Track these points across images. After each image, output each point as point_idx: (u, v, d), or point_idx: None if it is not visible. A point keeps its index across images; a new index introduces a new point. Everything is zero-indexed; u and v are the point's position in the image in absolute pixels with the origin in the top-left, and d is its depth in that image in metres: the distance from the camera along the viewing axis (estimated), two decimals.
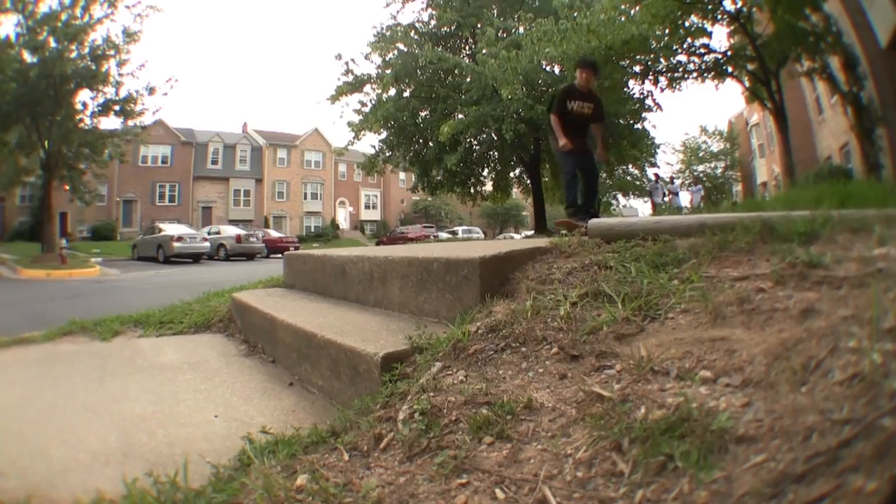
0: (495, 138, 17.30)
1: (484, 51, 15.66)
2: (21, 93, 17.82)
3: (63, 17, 18.67)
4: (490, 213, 46.61)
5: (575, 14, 13.39)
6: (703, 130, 39.98)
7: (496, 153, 18.94)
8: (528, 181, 19.91)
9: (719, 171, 39.50)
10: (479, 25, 18.07)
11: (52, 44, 18.49)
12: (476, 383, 1.40)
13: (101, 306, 7.22)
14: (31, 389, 2.46)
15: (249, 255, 23.03)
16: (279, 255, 23.21)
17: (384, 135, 18.90)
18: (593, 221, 2.56)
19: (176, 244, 20.36)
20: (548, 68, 16.20)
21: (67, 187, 21.91)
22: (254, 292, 3.80)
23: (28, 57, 18.45)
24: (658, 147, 19.74)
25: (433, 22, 19.39)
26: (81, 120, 20.55)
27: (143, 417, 1.94)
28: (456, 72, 17.77)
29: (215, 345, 3.16)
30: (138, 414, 1.99)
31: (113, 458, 1.63)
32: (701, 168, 39.68)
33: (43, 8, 18.50)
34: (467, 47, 19.58)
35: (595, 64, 6.06)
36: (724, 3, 12.30)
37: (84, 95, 20.37)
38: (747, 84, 14.14)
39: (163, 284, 12.09)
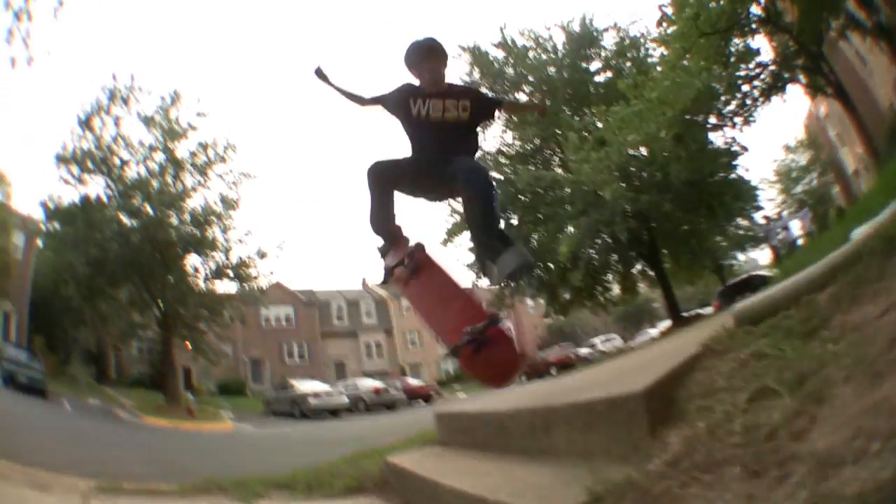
0: (611, 241, 17.06)
1: (572, 157, 15.72)
2: (124, 253, 18.96)
3: (154, 184, 20.03)
4: (623, 316, 45.55)
5: (642, 91, 13.64)
6: (788, 149, 38.55)
7: (615, 256, 18.62)
8: (652, 272, 19.33)
9: (815, 182, 37.18)
10: (558, 132, 18.15)
11: (150, 210, 19.74)
12: None
13: (236, 463, 6.97)
14: None
15: (390, 406, 23.03)
16: (421, 402, 24.62)
17: None
18: (738, 308, 2.33)
19: (313, 400, 20.43)
20: (634, 153, 16.14)
21: (189, 346, 22.93)
22: (408, 454, 3.53)
23: (126, 220, 19.74)
24: (757, 189, 18.97)
25: (516, 142, 19.74)
26: (196, 283, 21.75)
27: None
28: (554, 187, 17.80)
29: None
30: None
31: None
32: (799, 189, 37.66)
33: (130, 173, 20.02)
34: (556, 158, 19.64)
35: (438, 46, 3.20)
36: (752, 9, 12.34)
37: (194, 259, 21.71)
38: (804, 81, 14.07)
39: (302, 441, 11.65)
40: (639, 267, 20.26)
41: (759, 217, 20.30)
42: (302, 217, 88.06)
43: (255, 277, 22.36)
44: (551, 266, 17.98)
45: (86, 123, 19.70)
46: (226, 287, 22.91)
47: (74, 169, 19.76)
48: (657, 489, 1.45)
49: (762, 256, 29.25)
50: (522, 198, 17.68)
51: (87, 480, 3.60)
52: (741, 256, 24.35)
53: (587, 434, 2.10)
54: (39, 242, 27.83)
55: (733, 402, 1.58)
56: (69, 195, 20.45)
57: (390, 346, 43.34)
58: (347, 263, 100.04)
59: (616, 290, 20.78)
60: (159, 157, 20.70)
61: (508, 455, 2.57)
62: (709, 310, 18.87)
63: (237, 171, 21.92)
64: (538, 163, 19.36)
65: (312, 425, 16.82)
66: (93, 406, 17.81)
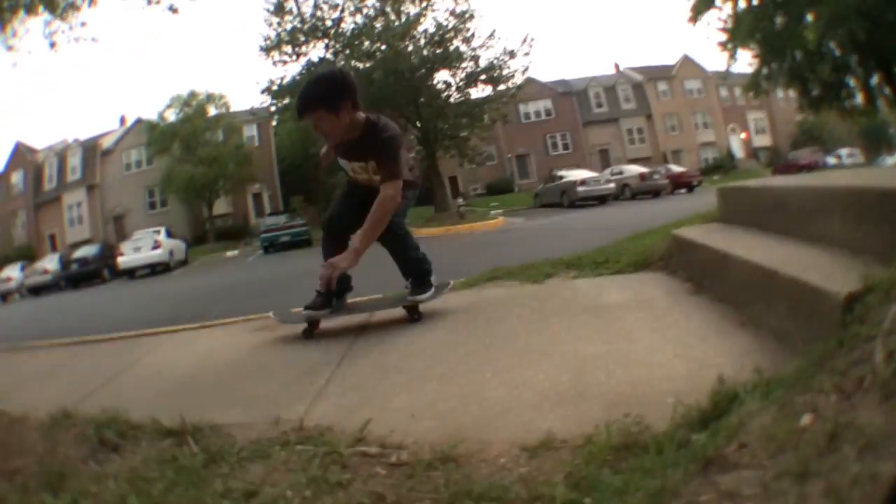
0: (850, 40, 13.96)
1: None
2: (368, 93, 19.40)
3: (377, 25, 19.92)
4: (866, 133, 39.41)
5: None
6: None
7: (856, 57, 15.40)
8: (892, 91, 15.78)
9: None
10: None
11: (383, 48, 19.75)
12: None
13: (518, 254, 6.82)
14: (457, 332, 2.48)
15: (654, 193, 22.51)
16: (683, 190, 24.12)
17: (756, 50, 16.42)
18: None
19: (580, 188, 20.60)
20: None
21: (453, 155, 23.99)
22: (693, 228, 3.56)
23: (360, 65, 19.96)
24: None
25: None
26: (449, 96, 21.88)
27: (598, 356, 1.92)
28: None
29: (659, 283, 3.00)
30: (591, 353, 1.96)
31: (566, 398, 1.62)
32: None
33: (347, 26, 20.11)
34: None
35: (298, 104, 2.57)
36: None
37: (444, 75, 21.78)
38: None
39: (579, 228, 11.58)
40: (876, 80, 16.37)
41: None
42: (544, 5, 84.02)
43: (510, 77, 21.84)
44: (801, 55, 15.42)
45: (278, 9, 19.93)
46: (481, 92, 22.69)
47: (287, 48, 20.27)
48: None
49: None
50: None
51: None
52: None
53: (859, 225, 2.02)
54: (274, 122, 31.87)
55: None
56: (292, 72, 21.15)
57: (651, 131, 42.63)
58: (597, 49, 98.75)
59: (860, 98, 17.20)
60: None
61: (787, 236, 2.53)
62: None
63: None
64: None
65: (582, 213, 16.97)
66: None
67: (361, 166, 2.71)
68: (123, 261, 16.95)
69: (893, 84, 15.37)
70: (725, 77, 19.54)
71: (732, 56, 15.94)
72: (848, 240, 2.04)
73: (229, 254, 22.52)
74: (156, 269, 17.10)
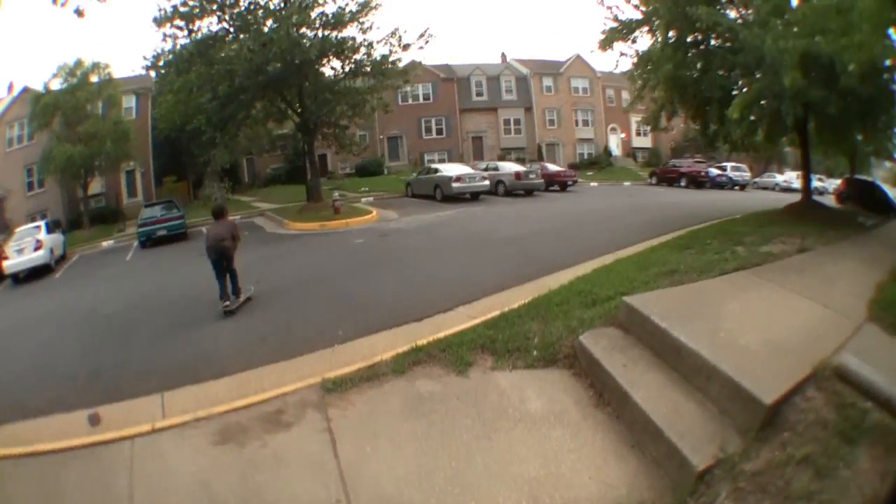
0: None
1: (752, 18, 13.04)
2: (256, 79, 18.28)
3: (273, 3, 18.65)
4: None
5: None
6: None
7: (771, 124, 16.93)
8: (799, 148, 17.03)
9: None
10: None
11: (278, 31, 17.94)
12: None
13: (405, 277, 8.06)
14: (424, 453, 2.94)
15: (528, 191, 22.89)
16: (555, 189, 24.58)
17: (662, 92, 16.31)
18: None
19: (455, 185, 20.51)
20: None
21: (333, 146, 23.09)
22: (599, 338, 4.19)
23: (252, 46, 18.26)
24: None
25: None
26: (335, 84, 20.97)
27: (541, 480, 2.70)
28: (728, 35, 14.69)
29: (568, 390, 3.71)
30: (534, 477, 2.73)
31: None
32: None
33: (243, 2, 18.58)
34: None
35: None
36: None
37: (333, 63, 20.62)
38: None
39: (453, 238, 11.97)
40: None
41: None
42: None
43: (402, 72, 21.37)
44: (709, 106, 15.29)
45: None
46: (366, 82, 21.73)
47: (178, 22, 18.67)
48: None
49: None
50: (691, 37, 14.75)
51: None
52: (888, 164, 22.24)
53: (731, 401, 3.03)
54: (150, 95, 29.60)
55: None
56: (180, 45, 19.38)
57: (529, 123, 42.94)
58: (486, 38, 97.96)
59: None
60: None
61: (680, 377, 3.57)
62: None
63: None
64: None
65: (453, 210, 17.28)
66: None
67: None
68: (9, 265, 16.27)
69: (804, 149, 16.71)
70: (629, 110, 20.02)
71: (640, 95, 16.15)
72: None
73: (105, 244, 22.05)
74: (38, 271, 16.47)
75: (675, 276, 5.77)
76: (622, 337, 4.12)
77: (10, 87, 31.23)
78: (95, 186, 29.06)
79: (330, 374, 4.21)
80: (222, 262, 7.28)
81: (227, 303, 7.22)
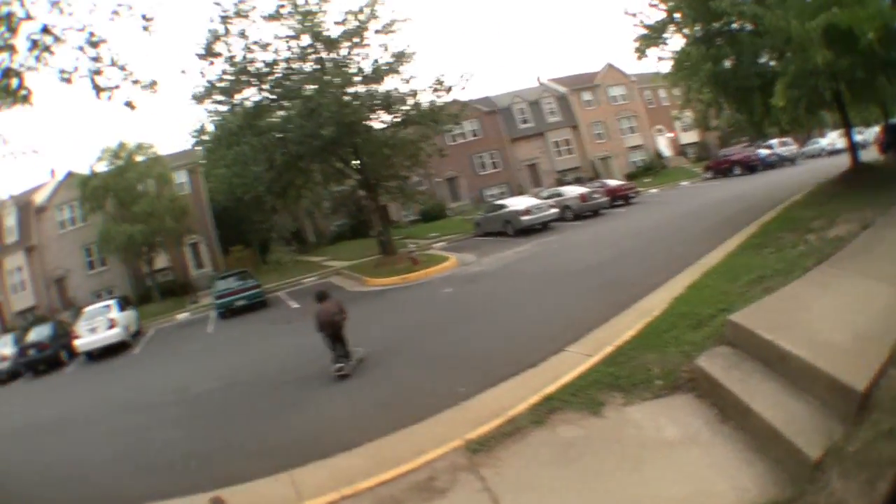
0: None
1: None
2: (314, 146, 18.74)
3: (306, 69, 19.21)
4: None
5: None
6: None
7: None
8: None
9: None
10: None
11: (322, 94, 18.53)
12: None
13: (505, 322, 8.14)
14: (582, 495, 3.30)
15: (595, 211, 23.20)
16: (620, 203, 24.66)
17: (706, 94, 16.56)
18: None
19: (524, 217, 20.84)
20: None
21: (400, 203, 23.81)
22: (714, 359, 4.54)
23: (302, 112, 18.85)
24: None
25: None
26: (387, 137, 21.22)
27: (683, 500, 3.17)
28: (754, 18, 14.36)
29: (694, 413, 4.11)
30: (676, 496, 3.21)
31: None
32: None
33: (279, 71, 19.16)
34: None
35: None
36: None
37: (382, 115, 21.06)
38: None
39: (538, 274, 11.94)
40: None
41: None
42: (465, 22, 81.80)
43: (451, 115, 21.53)
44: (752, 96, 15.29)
45: (208, 53, 18.98)
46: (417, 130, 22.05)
47: (218, 96, 19.58)
48: None
49: None
50: (715, 25, 14.87)
51: None
52: None
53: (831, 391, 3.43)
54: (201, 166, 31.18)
55: None
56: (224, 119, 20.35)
57: (578, 141, 43.27)
58: (514, 63, 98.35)
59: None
60: (306, 40, 19.54)
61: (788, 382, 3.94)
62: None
63: (393, 19, 20.02)
64: None
65: (529, 244, 17.52)
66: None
67: None
68: (81, 343, 16.57)
69: (844, 115, 16.44)
70: (678, 118, 19.74)
71: (688, 95, 16.52)
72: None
73: (180, 317, 22.02)
74: (115, 347, 16.72)
75: (764, 283, 6.00)
76: (733, 353, 4.44)
77: (53, 173, 33.60)
78: (160, 261, 30.26)
79: (471, 435, 4.29)
80: (336, 335, 7.46)
81: (342, 365, 7.35)
